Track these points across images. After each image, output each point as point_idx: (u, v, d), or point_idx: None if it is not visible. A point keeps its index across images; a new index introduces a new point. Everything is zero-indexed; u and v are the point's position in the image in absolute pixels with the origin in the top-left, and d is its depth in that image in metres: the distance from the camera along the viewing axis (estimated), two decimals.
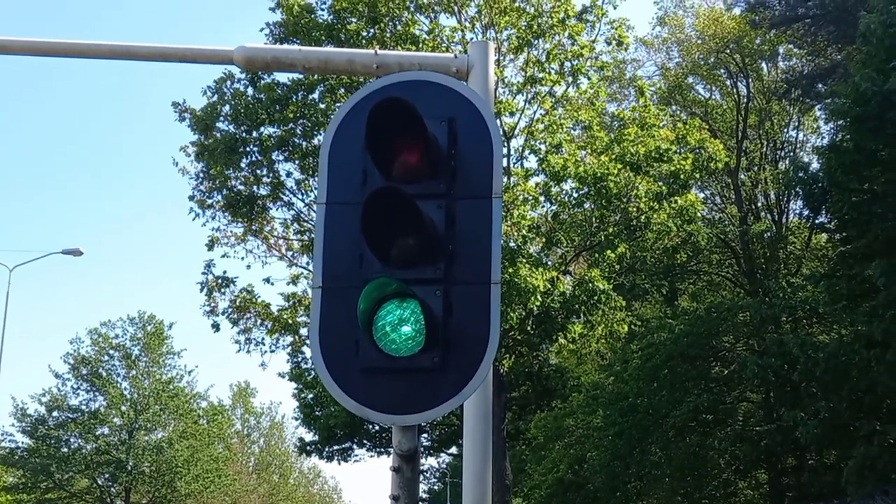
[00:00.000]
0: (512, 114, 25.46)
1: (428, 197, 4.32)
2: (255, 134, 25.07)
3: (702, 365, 30.36)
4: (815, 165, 27.83)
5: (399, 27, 24.36)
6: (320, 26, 24.46)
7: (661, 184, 25.14)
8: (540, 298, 22.46)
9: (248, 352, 26.76)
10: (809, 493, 28.78)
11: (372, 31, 24.18)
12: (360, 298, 4.11)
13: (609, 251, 25.23)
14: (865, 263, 21.08)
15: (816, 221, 30.55)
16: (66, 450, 55.08)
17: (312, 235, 24.86)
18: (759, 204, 37.77)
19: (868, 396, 22.27)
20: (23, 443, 55.19)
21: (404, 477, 4.44)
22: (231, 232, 26.03)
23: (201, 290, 26.17)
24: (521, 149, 25.90)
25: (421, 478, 4.73)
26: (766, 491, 33.05)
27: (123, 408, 55.96)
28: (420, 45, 23.57)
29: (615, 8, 26.19)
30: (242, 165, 25.30)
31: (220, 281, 26.14)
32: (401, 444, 4.40)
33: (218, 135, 25.05)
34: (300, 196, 25.98)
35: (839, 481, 23.48)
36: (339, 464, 42.02)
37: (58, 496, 56.47)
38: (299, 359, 30.44)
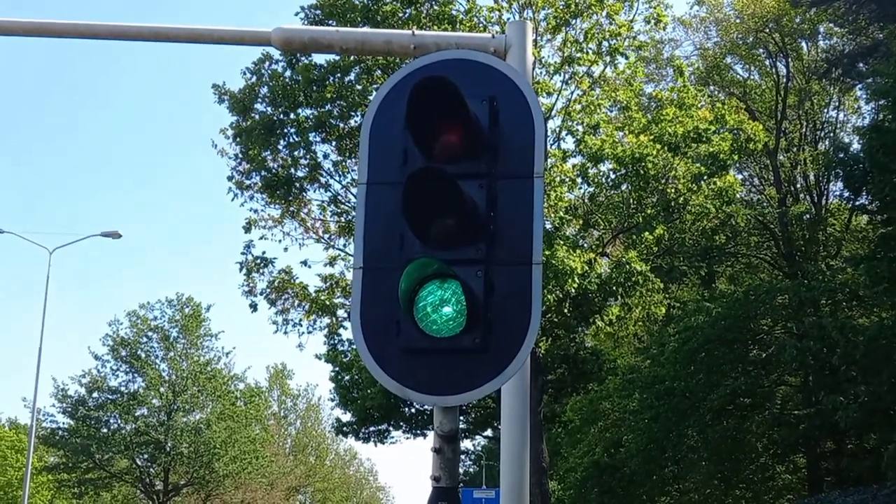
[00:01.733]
0: (549, 94, 25.29)
1: (469, 177, 4.28)
2: (292, 115, 25.15)
3: (739, 348, 30.13)
4: (855, 146, 27.50)
5: (436, 7, 24.25)
6: (356, 8, 24.42)
7: (699, 165, 24.94)
8: (577, 280, 22.38)
9: (286, 333, 26.92)
10: (848, 478, 28.55)
11: (408, 11, 24.11)
12: (402, 279, 4.09)
13: (647, 233, 25.07)
14: None
15: (857, 203, 30.25)
16: (105, 430, 55.70)
17: (349, 217, 25.09)
18: (799, 185, 37.41)
19: None
20: (64, 423, 55.90)
21: (445, 458, 4.42)
22: (268, 214, 26.17)
23: (240, 270, 26.38)
24: (558, 130, 25.75)
25: None
26: (805, 475, 32.85)
27: (162, 389, 56.44)
28: (457, 26, 23.49)
29: None
30: (280, 147, 25.42)
31: (258, 261, 26.30)
32: (442, 424, 4.38)
33: (256, 116, 25.19)
34: (337, 178, 26.06)
35: (879, 466, 23.29)
36: (376, 445, 42.26)
37: (98, 476, 57.17)
38: (336, 340, 30.51)
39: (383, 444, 41.97)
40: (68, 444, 55.34)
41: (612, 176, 25.17)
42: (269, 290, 26.30)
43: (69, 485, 57.07)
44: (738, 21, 36.62)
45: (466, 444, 56.32)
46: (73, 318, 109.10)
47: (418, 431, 40.95)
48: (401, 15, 23.97)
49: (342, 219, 25.86)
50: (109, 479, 57.90)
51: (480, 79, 4.47)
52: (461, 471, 62.00)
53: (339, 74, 24.86)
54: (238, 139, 25.55)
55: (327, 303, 26.13)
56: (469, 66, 4.53)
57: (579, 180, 24.98)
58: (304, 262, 26.59)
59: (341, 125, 25.25)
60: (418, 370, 4.20)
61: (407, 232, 4.25)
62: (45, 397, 58.50)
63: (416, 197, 4.12)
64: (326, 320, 26.98)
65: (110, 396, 55.93)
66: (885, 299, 22.89)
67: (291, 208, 25.96)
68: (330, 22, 24.19)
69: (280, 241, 26.20)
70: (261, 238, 26.24)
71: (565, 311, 24.82)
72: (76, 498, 58.50)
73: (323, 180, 26.01)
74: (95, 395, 56.06)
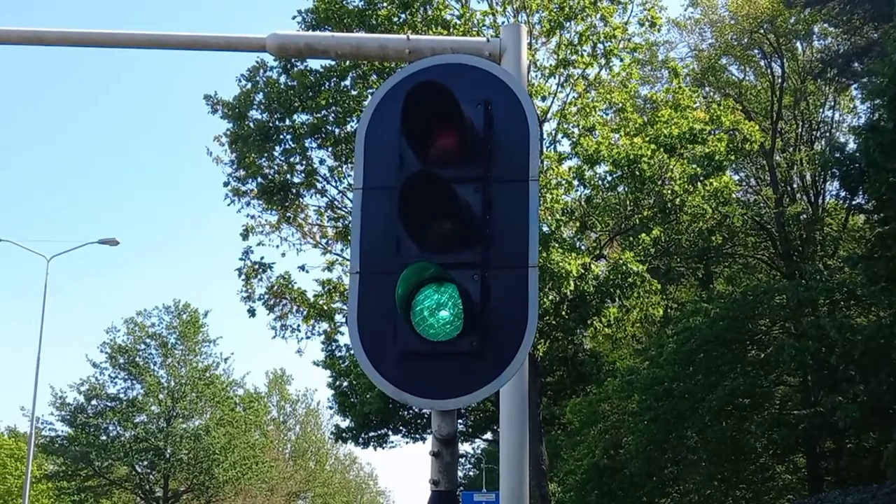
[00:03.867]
0: (544, 97, 25.30)
1: (464, 180, 4.27)
2: (287, 122, 25.12)
3: (738, 349, 30.11)
4: (851, 146, 27.51)
5: (430, 12, 24.24)
6: (351, 13, 24.43)
7: (695, 166, 24.95)
8: (573, 283, 22.37)
9: (285, 338, 26.86)
10: (848, 477, 28.55)
11: (403, 16, 24.11)
12: (398, 283, 4.09)
13: (643, 234, 25.10)
14: None
15: (853, 202, 30.23)
16: (105, 438, 55.70)
17: (346, 222, 25.05)
18: (795, 185, 37.47)
19: None
20: (63, 431, 55.93)
21: (444, 461, 4.43)
22: (265, 220, 26.14)
23: (239, 276, 26.35)
24: (553, 132, 25.76)
25: None
26: (805, 475, 32.83)
27: (161, 395, 56.46)
28: (451, 30, 23.48)
29: None
30: (276, 153, 25.38)
31: (257, 267, 26.27)
32: (440, 428, 4.38)
33: (251, 123, 25.15)
34: (333, 183, 26.02)
35: (879, 464, 23.33)
36: (375, 450, 42.35)
37: (98, 483, 57.15)
38: (333, 346, 30.51)
39: (383, 448, 42.02)
40: (67, 451, 55.32)
41: (609, 178, 25.19)
42: (267, 296, 26.28)
43: (69, 492, 57.02)
44: (732, 22, 36.66)
45: (466, 447, 56.36)
46: (72, 326, 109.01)
47: (417, 436, 40.96)
48: (396, 20, 23.97)
49: (339, 224, 25.82)
50: (109, 487, 57.87)
51: (475, 83, 4.47)
52: (461, 474, 61.97)
53: (334, 80, 24.83)
54: (234, 146, 25.52)
55: (325, 308, 26.10)
56: (463, 71, 4.53)
57: (576, 182, 24.98)
58: (302, 268, 26.62)
59: (337, 131, 25.21)
60: (416, 374, 4.19)
61: (403, 236, 4.25)
62: (44, 406, 58.40)
63: (411, 201, 4.12)
64: (324, 325, 26.94)
65: (109, 404, 55.95)
66: (883, 298, 22.86)
67: (288, 214, 25.94)
68: (325, 27, 24.18)
69: (278, 246, 26.22)
70: (258, 244, 26.24)
71: (563, 313, 24.79)
72: None
73: (319, 186, 25.99)
74: (94, 402, 56.07)
